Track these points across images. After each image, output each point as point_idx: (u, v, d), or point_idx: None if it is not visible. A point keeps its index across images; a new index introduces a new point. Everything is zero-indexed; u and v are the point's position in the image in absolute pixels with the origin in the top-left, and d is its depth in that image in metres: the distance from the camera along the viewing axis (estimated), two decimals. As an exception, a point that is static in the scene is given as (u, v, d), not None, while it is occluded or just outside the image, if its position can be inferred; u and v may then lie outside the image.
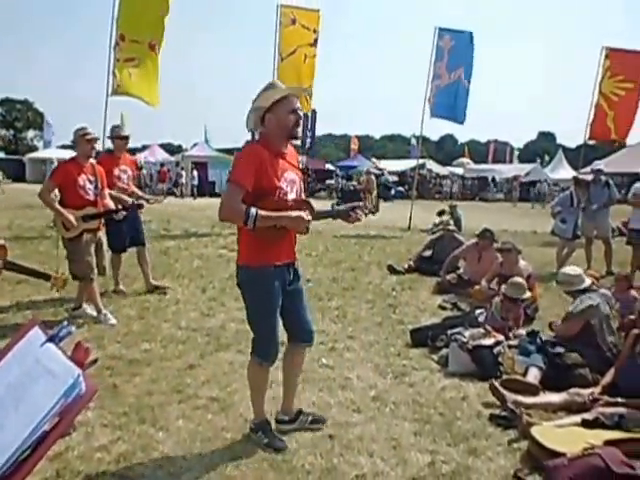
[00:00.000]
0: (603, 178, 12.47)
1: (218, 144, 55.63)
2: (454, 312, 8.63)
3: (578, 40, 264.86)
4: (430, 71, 19.73)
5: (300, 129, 4.26)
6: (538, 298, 8.65)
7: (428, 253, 12.46)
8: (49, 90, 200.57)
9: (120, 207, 8.03)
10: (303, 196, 4.40)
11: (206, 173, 45.92)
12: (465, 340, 6.27)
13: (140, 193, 9.49)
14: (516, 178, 50.27)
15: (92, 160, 7.70)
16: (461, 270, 10.64)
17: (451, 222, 15.18)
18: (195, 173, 43.33)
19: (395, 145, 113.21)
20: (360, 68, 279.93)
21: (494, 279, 9.16)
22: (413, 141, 62.95)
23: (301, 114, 4.25)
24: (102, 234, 7.94)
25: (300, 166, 4.71)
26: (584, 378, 5.70)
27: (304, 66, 19.50)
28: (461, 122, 19.84)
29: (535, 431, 4.36)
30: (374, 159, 53.98)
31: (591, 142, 19.14)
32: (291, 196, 4.16)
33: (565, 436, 4.35)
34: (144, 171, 44.25)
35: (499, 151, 69.99)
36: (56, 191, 7.58)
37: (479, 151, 77.03)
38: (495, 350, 6.16)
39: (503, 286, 7.67)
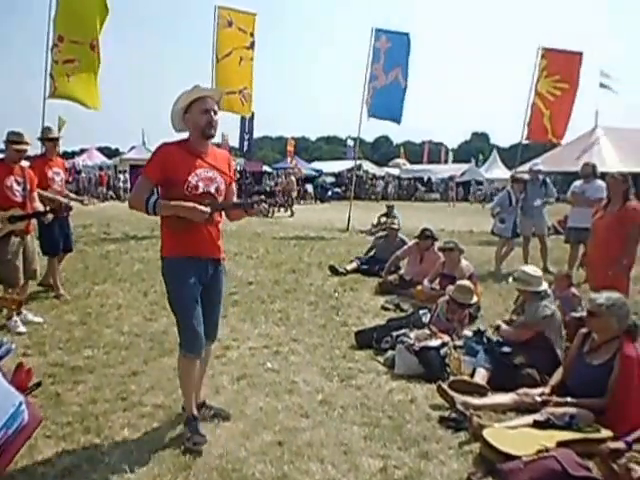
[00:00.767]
0: (541, 177, 12.63)
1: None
2: (397, 313, 8.58)
3: (510, 41, 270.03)
4: (367, 72, 19.68)
5: (213, 129, 4.45)
6: (480, 297, 8.65)
7: (372, 253, 12.49)
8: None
9: (48, 209, 7.78)
10: (234, 198, 4.78)
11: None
12: (411, 342, 6.21)
13: (73, 195, 9.38)
14: (452, 178, 50.81)
15: (24, 162, 7.52)
16: (402, 270, 10.63)
17: (395, 222, 15.11)
18: (127, 176, 42.33)
19: (331, 146, 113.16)
20: (295, 70, 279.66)
21: (436, 279, 9.17)
22: (349, 142, 63.10)
23: (214, 115, 4.43)
24: (32, 238, 7.73)
25: (235, 169, 4.78)
26: (532, 378, 5.69)
27: (239, 68, 19.24)
28: (398, 122, 19.86)
29: (487, 433, 4.31)
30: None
31: (526, 142, 19.34)
32: (204, 190, 4.40)
33: (517, 438, 4.31)
34: (83, 174, 43.45)
35: (434, 152, 70.75)
36: None
37: (414, 152, 77.53)
38: (442, 351, 6.10)
39: (449, 288, 7.63)
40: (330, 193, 46.03)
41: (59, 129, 25.25)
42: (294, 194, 29.46)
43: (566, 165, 25.94)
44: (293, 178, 29.36)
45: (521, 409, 5.13)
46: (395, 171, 58.37)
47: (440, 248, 9.51)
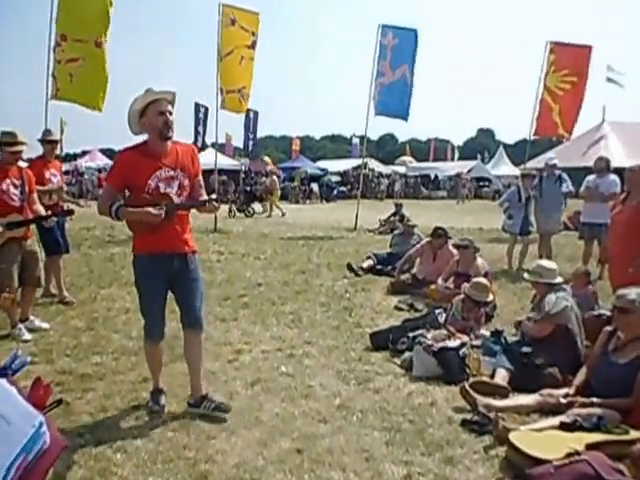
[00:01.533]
0: (557, 172, 12.40)
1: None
2: (411, 313, 8.45)
3: (513, 37, 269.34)
4: (374, 69, 19.55)
5: (170, 130, 4.66)
6: (495, 296, 8.51)
7: (389, 250, 12.48)
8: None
9: (50, 213, 7.61)
10: (202, 190, 5.05)
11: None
12: (429, 342, 6.07)
13: (67, 198, 9.46)
14: (459, 175, 50.58)
15: (21, 163, 7.25)
16: (415, 270, 10.49)
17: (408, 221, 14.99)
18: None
19: (335, 145, 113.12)
20: (298, 69, 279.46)
21: (450, 278, 9.03)
22: (355, 140, 62.94)
23: (170, 116, 4.64)
24: (33, 242, 7.38)
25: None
26: (553, 377, 5.57)
27: (239, 67, 19.26)
28: (406, 119, 19.72)
29: (513, 437, 4.16)
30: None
31: (534, 137, 19.21)
32: (168, 190, 4.69)
33: (545, 441, 4.17)
34: (86, 176, 43.31)
35: (439, 149, 70.56)
36: None
37: (420, 149, 77.40)
38: (461, 352, 5.97)
39: (465, 285, 7.50)
40: (336, 192, 45.86)
41: (61, 131, 25.18)
42: (278, 193, 29.84)
43: (573, 160, 25.74)
44: (275, 178, 29.44)
45: (545, 410, 5.01)
46: (401, 169, 58.15)
47: (455, 245, 9.40)
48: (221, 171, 25.98)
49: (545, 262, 6.65)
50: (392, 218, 19.80)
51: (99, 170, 46.80)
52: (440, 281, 9.03)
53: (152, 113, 4.59)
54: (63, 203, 8.86)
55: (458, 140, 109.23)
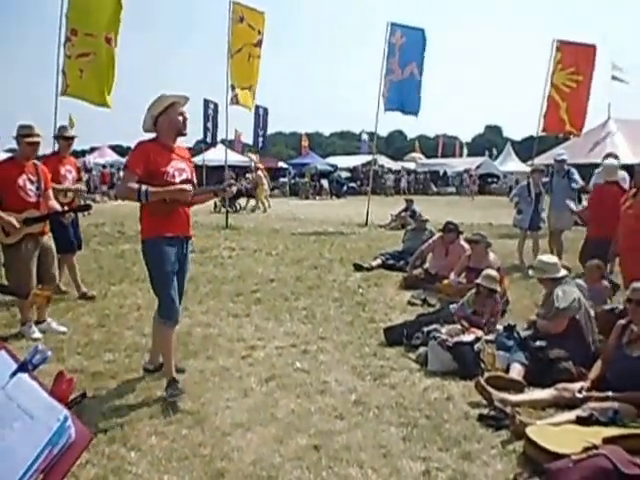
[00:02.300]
0: (565, 167, 12.36)
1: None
2: (424, 308, 8.44)
3: (521, 35, 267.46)
4: (383, 66, 19.61)
5: (186, 129, 5.31)
6: (507, 291, 8.50)
7: (401, 247, 12.48)
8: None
9: (67, 209, 7.66)
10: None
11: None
12: (444, 337, 6.07)
13: (84, 191, 9.67)
14: (467, 171, 50.53)
15: (36, 160, 7.21)
16: (427, 265, 10.49)
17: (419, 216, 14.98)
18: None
19: (345, 141, 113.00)
20: (307, 66, 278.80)
21: (463, 272, 9.02)
22: (364, 137, 62.94)
23: (187, 116, 5.29)
24: (49, 239, 7.28)
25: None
26: (568, 371, 5.55)
27: (247, 65, 19.47)
28: (416, 115, 19.75)
29: (531, 431, 4.16)
30: None
31: (542, 134, 19.22)
32: (179, 179, 5.16)
33: (562, 435, 4.16)
34: (94, 173, 43.18)
35: (448, 145, 70.43)
36: None
37: (428, 146, 77.22)
38: (475, 346, 5.96)
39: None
40: (345, 188, 45.89)
41: (71, 128, 25.17)
42: (266, 187, 29.94)
43: (579, 157, 25.79)
44: (260, 173, 29.35)
45: (560, 405, 5.00)
46: (411, 165, 58.11)
47: (467, 239, 9.40)
48: (229, 167, 25.96)
49: (545, 257, 6.64)
50: (403, 214, 19.79)
51: (103, 166, 46.60)
52: (452, 276, 9.03)
53: (174, 113, 5.17)
54: (79, 199, 8.91)
55: (466, 137, 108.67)
